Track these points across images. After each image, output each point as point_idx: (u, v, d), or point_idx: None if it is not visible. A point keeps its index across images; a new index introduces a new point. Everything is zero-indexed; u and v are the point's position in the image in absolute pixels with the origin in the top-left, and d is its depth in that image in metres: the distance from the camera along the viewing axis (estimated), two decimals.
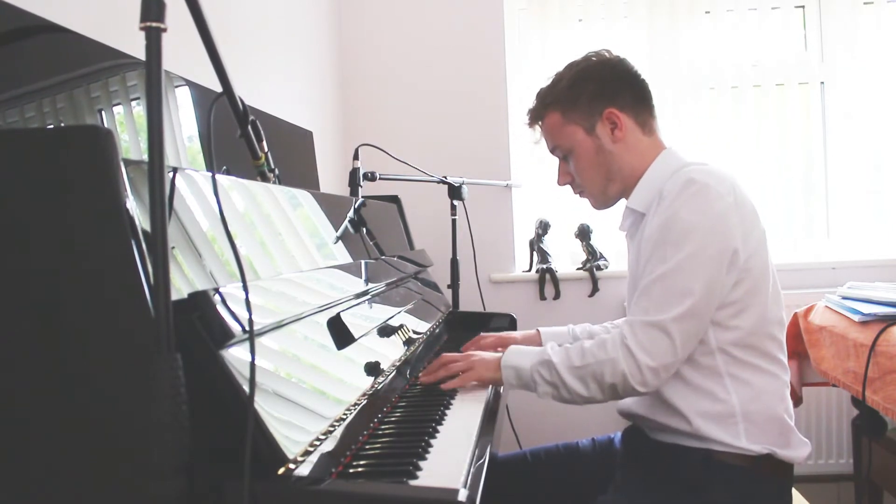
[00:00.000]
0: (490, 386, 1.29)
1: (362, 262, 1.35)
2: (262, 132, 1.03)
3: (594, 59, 1.30)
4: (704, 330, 1.13)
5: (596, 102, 1.26)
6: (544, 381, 1.17)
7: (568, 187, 1.37)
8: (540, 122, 1.34)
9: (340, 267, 1.21)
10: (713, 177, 1.13)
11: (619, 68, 1.29)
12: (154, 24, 0.63)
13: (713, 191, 1.11)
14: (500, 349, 1.47)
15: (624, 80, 1.28)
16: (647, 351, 1.09)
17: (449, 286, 2.18)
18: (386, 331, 1.28)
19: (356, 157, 1.82)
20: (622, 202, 1.33)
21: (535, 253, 2.59)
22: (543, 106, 1.32)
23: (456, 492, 0.75)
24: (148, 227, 0.62)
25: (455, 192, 2.17)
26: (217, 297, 0.75)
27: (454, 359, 1.29)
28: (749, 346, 1.15)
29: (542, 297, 2.56)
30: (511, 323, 1.94)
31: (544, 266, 2.55)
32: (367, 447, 0.95)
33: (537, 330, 1.56)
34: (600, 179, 1.29)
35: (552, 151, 1.35)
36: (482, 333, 1.56)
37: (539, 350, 1.21)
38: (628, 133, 1.26)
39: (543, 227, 2.57)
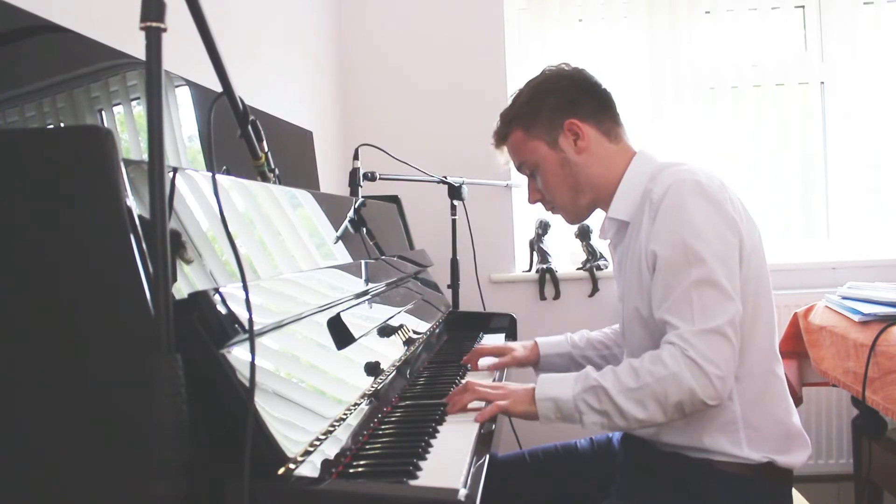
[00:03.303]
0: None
1: (362, 262, 1.35)
2: (262, 132, 1.04)
3: (550, 72, 1.30)
4: None
5: (556, 115, 1.25)
6: (592, 409, 1.07)
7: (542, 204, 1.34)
8: (505, 143, 1.33)
9: (340, 267, 1.21)
10: (701, 174, 1.13)
11: (576, 78, 1.28)
12: (154, 24, 0.63)
13: (706, 187, 1.11)
14: (499, 358, 1.48)
15: (583, 89, 1.27)
16: (713, 360, 1.03)
17: (449, 286, 2.18)
18: (386, 331, 1.28)
19: (356, 157, 1.82)
20: (599, 213, 1.33)
21: (535, 253, 2.59)
22: (506, 125, 1.31)
23: (456, 492, 0.75)
24: (148, 227, 0.62)
25: (455, 192, 2.17)
26: (217, 297, 0.75)
27: (481, 385, 1.16)
28: (754, 342, 1.14)
29: (542, 297, 2.56)
30: (511, 323, 1.94)
31: (544, 266, 2.55)
32: (367, 447, 0.95)
33: (535, 342, 1.52)
34: (568, 192, 1.27)
35: (519, 169, 1.34)
36: (477, 347, 1.53)
37: (576, 376, 1.11)
38: (592, 142, 1.25)
39: (543, 227, 2.57)
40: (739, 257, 1.11)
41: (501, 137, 1.33)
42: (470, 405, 1.13)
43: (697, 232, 1.08)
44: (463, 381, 1.20)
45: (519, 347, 1.51)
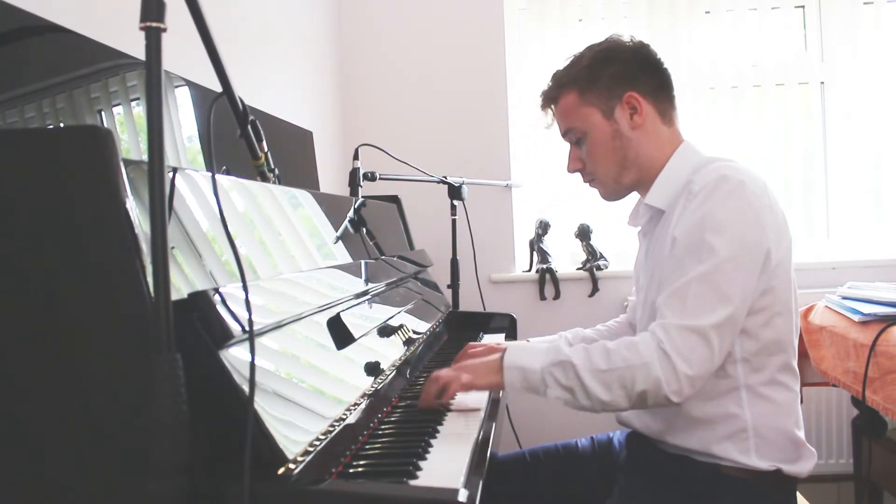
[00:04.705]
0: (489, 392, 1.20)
1: (362, 262, 1.35)
2: (261, 132, 1.03)
3: (615, 41, 1.25)
4: (736, 338, 1.09)
5: (616, 85, 1.20)
6: (558, 384, 1.07)
7: (578, 176, 1.30)
8: (553, 105, 1.28)
9: (340, 267, 1.21)
10: (747, 175, 1.10)
11: (641, 53, 1.24)
12: (154, 24, 0.63)
13: (748, 189, 1.08)
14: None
15: (647, 65, 1.23)
16: (686, 358, 1.01)
17: (449, 286, 2.18)
18: (386, 331, 1.28)
19: (356, 157, 1.82)
20: (631, 197, 1.31)
21: (535, 253, 2.59)
22: (559, 86, 1.26)
23: (456, 492, 0.75)
24: (148, 227, 0.62)
25: (455, 192, 2.17)
26: (217, 297, 0.75)
27: (444, 372, 1.15)
28: (771, 356, 1.12)
29: (542, 297, 2.56)
30: (511, 323, 1.94)
31: (544, 266, 2.55)
32: (367, 447, 0.94)
33: (528, 341, 1.49)
34: (614, 167, 1.23)
35: (564, 135, 1.29)
36: (470, 343, 1.45)
37: (547, 349, 1.11)
38: (647, 120, 1.21)
39: (543, 227, 2.57)
40: (762, 267, 1.08)
41: (550, 98, 1.28)
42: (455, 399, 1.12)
43: (720, 229, 1.06)
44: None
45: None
